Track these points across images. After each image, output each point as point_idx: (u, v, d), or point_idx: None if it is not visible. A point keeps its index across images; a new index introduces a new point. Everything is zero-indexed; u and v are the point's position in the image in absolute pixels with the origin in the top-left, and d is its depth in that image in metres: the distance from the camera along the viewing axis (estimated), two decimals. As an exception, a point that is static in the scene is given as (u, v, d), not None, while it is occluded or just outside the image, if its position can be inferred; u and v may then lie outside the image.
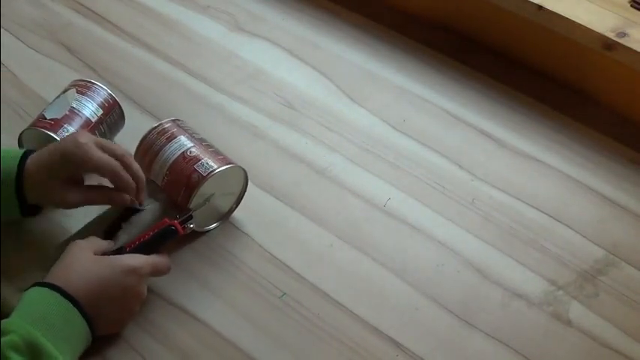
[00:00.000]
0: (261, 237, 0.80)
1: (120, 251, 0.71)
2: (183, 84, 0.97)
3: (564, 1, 0.94)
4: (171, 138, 0.78)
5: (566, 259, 0.81)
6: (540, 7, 0.94)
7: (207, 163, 0.76)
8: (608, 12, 0.94)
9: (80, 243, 0.70)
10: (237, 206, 0.81)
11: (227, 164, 0.77)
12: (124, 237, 0.76)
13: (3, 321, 0.61)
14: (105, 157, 0.72)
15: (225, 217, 0.81)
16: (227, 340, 0.71)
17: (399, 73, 1.02)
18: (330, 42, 1.06)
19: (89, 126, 0.81)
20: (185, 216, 0.74)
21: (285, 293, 0.76)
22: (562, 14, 0.93)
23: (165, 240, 0.73)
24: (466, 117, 0.96)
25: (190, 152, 0.77)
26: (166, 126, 0.80)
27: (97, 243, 0.72)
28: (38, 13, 1.05)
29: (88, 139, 0.72)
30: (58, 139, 0.78)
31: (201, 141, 0.79)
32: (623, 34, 0.90)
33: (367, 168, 0.89)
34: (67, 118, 0.80)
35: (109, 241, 0.74)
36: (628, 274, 0.81)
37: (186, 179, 0.75)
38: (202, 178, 0.74)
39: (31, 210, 0.74)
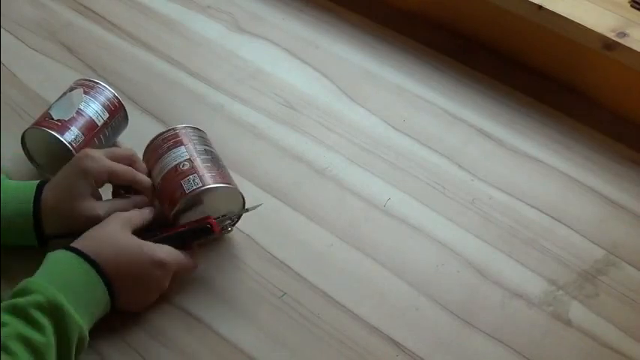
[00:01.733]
0: (261, 237, 0.80)
1: (153, 234, 0.71)
2: (183, 84, 0.97)
3: (564, 1, 0.94)
4: (173, 146, 0.77)
5: (566, 259, 0.81)
6: (540, 7, 0.94)
7: (193, 180, 0.73)
8: (608, 12, 0.94)
9: (121, 216, 0.71)
10: (231, 228, 0.79)
11: (220, 183, 0.74)
12: None
13: (27, 280, 0.63)
14: (120, 165, 0.74)
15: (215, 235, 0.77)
16: (227, 340, 0.71)
17: (399, 72, 1.02)
18: (330, 42, 1.06)
19: (95, 129, 0.81)
20: (225, 217, 0.74)
21: (285, 293, 0.76)
22: (562, 14, 0.93)
23: (199, 236, 0.73)
24: (466, 117, 0.97)
25: (183, 165, 0.74)
26: (174, 132, 0.78)
27: (136, 217, 0.72)
28: (38, 13, 1.05)
29: (98, 152, 0.73)
30: (64, 141, 0.78)
31: (202, 154, 0.76)
32: (623, 34, 0.90)
33: (367, 168, 0.89)
34: (74, 120, 0.80)
35: (149, 209, 0.74)
36: (628, 274, 0.81)
37: (170, 193, 0.73)
38: (183, 195, 0.72)
39: (48, 239, 0.74)
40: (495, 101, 0.99)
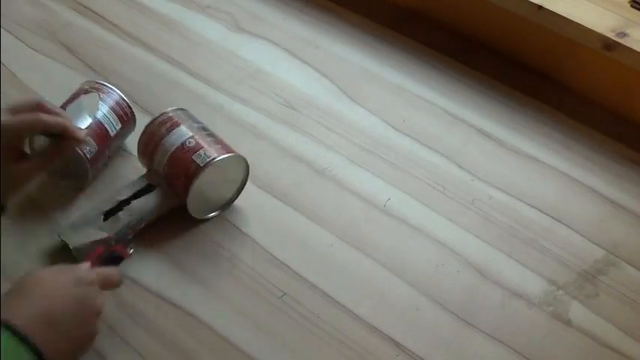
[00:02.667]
0: (261, 237, 0.80)
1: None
2: (183, 84, 0.97)
3: (564, 1, 0.94)
4: (172, 128, 0.79)
5: (566, 259, 0.81)
6: (540, 7, 0.94)
7: (204, 153, 0.76)
8: (608, 12, 0.94)
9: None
10: (237, 196, 0.82)
11: (226, 153, 0.77)
12: (124, 218, 0.75)
13: None
14: (26, 115, 0.69)
15: (225, 206, 0.82)
16: (227, 340, 0.71)
17: (399, 72, 1.02)
18: (330, 42, 1.06)
19: (107, 140, 0.80)
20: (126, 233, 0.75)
21: (285, 293, 0.76)
22: (562, 14, 0.93)
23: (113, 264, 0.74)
24: (466, 117, 0.97)
25: (189, 142, 0.77)
26: (167, 116, 0.80)
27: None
28: (38, 13, 1.05)
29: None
30: (80, 152, 0.77)
31: (201, 130, 0.79)
32: (623, 34, 0.90)
33: (367, 168, 0.89)
34: (90, 130, 0.79)
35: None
36: (628, 274, 0.81)
37: (185, 169, 0.76)
38: (200, 168, 0.75)
39: None
40: (495, 101, 0.99)
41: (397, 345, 0.73)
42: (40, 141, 0.75)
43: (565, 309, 0.77)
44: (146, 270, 0.76)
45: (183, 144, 0.77)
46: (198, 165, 0.75)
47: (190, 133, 0.78)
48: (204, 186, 0.77)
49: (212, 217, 0.81)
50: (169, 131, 0.79)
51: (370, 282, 0.78)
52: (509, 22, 1.01)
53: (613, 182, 0.90)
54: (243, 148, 0.89)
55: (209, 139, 0.79)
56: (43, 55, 0.99)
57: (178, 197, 0.77)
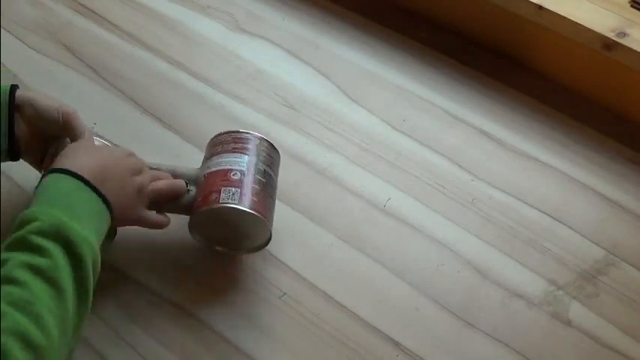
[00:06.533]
0: (261, 237, 0.80)
1: None
2: (183, 84, 0.97)
3: (564, 1, 0.94)
4: (236, 150, 0.74)
5: (566, 259, 0.81)
6: (540, 7, 0.94)
7: (235, 194, 0.70)
8: (608, 12, 0.94)
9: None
10: (240, 252, 0.77)
11: (251, 209, 0.70)
12: None
13: (24, 212, 0.59)
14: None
15: (233, 250, 0.77)
16: (227, 339, 0.71)
17: (399, 73, 1.02)
18: (330, 42, 1.06)
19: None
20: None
21: (285, 293, 0.76)
22: (562, 14, 0.93)
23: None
24: (466, 117, 0.97)
25: (234, 175, 0.72)
26: (246, 137, 0.77)
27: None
28: (38, 13, 1.05)
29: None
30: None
31: (260, 174, 0.74)
32: (623, 34, 0.90)
33: (367, 168, 0.89)
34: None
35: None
36: (628, 274, 0.81)
37: (208, 191, 0.71)
38: (216, 201, 0.70)
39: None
40: (495, 101, 0.99)
41: (397, 345, 0.73)
42: None
43: (565, 309, 0.77)
44: (146, 270, 0.76)
45: (229, 171, 0.72)
46: (218, 197, 0.70)
47: (244, 169, 0.73)
48: (212, 220, 0.72)
49: (205, 246, 0.76)
50: (233, 151, 0.74)
51: (370, 282, 0.78)
52: (509, 22, 1.01)
53: (613, 182, 0.90)
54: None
55: (257, 186, 0.72)
56: (43, 55, 0.99)
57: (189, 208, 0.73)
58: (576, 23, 0.92)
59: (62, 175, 0.63)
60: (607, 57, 0.92)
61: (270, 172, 0.76)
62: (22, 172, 0.76)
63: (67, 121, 0.70)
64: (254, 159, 0.75)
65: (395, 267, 0.79)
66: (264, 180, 0.74)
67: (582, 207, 0.87)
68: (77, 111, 0.71)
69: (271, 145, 0.78)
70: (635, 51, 0.89)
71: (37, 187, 0.63)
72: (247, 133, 0.77)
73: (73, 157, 0.66)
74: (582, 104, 0.99)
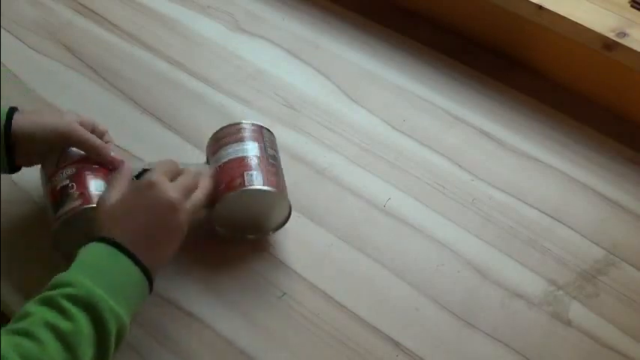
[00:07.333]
0: (260, 237, 0.80)
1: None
2: (183, 84, 0.97)
3: (564, 1, 0.94)
4: (245, 139, 0.77)
5: (566, 259, 0.81)
6: (540, 7, 0.94)
7: (256, 176, 0.74)
8: (608, 12, 0.94)
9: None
10: (263, 235, 0.80)
11: (274, 188, 0.74)
12: None
13: (60, 274, 0.59)
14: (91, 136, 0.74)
15: (253, 233, 0.79)
16: (227, 339, 0.71)
17: (399, 73, 1.02)
18: (330, 42, 1.06)
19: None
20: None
21: (285, 293, 0.76)
22: (562, 14, 0.93)
23: None
24: (466, 117, 0.96)
25: (251, 160, 0.76)
26: (251, 127, 0.79)
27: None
28: (38, 13, 1.05)
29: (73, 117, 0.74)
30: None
31: (271, 158, 0.78)
32: (623, 34, 0.90)
33: (367, 168, 0.89)
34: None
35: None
36: (628, 274, 0.81)
37: (230, 178, 0.74)
38: (242, 185, 0.73)
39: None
40: (495, 101, 0.99)
41: (397, 345, 0.73)
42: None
43: (565, 309, 0.77)
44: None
45: (244, 157, 0.76)
46: (243, 181, 0.73)
47: (257, 153, 0.77)
48: (236, 205, 0.75)
49: (229, 236, 0.78)
50: (244, 140, 0.77)
51: (370, 282, 0.78)
52: (509, 22, 1.01)
53: (613, 182, 0.90)
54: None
55: (271, 168, 0.77)
56: (43, 55, 0.99)
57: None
58: (576, 23, 0.92)
59: (103, 245, 0.62)
60: (607, 57, 0.92)
61: (277, 155, 0.80)
62: (22, 172, 0.76)
63: (66, 140, 0.71)
64: (262, 145, 0.78)
65: (395, 267, 0.79)
66: (274, 162, 0.78)
67: (582, 207, 0.87)
68: (76, 123, 0.72)
69: (269, 130, 0.82)
70: (635, 51, 0.89)
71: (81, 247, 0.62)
72: (248, 123, 0.80)
73: (113, 221, 0.64)
74: (582, 104, 0.99)
